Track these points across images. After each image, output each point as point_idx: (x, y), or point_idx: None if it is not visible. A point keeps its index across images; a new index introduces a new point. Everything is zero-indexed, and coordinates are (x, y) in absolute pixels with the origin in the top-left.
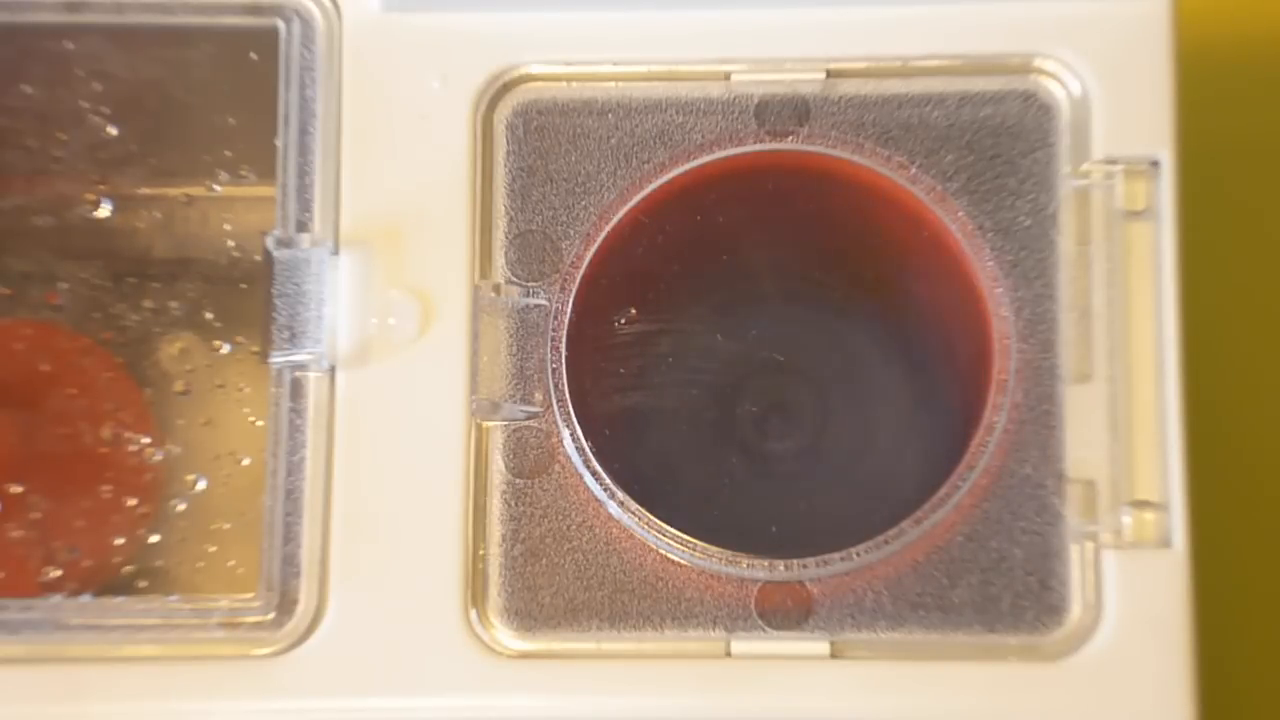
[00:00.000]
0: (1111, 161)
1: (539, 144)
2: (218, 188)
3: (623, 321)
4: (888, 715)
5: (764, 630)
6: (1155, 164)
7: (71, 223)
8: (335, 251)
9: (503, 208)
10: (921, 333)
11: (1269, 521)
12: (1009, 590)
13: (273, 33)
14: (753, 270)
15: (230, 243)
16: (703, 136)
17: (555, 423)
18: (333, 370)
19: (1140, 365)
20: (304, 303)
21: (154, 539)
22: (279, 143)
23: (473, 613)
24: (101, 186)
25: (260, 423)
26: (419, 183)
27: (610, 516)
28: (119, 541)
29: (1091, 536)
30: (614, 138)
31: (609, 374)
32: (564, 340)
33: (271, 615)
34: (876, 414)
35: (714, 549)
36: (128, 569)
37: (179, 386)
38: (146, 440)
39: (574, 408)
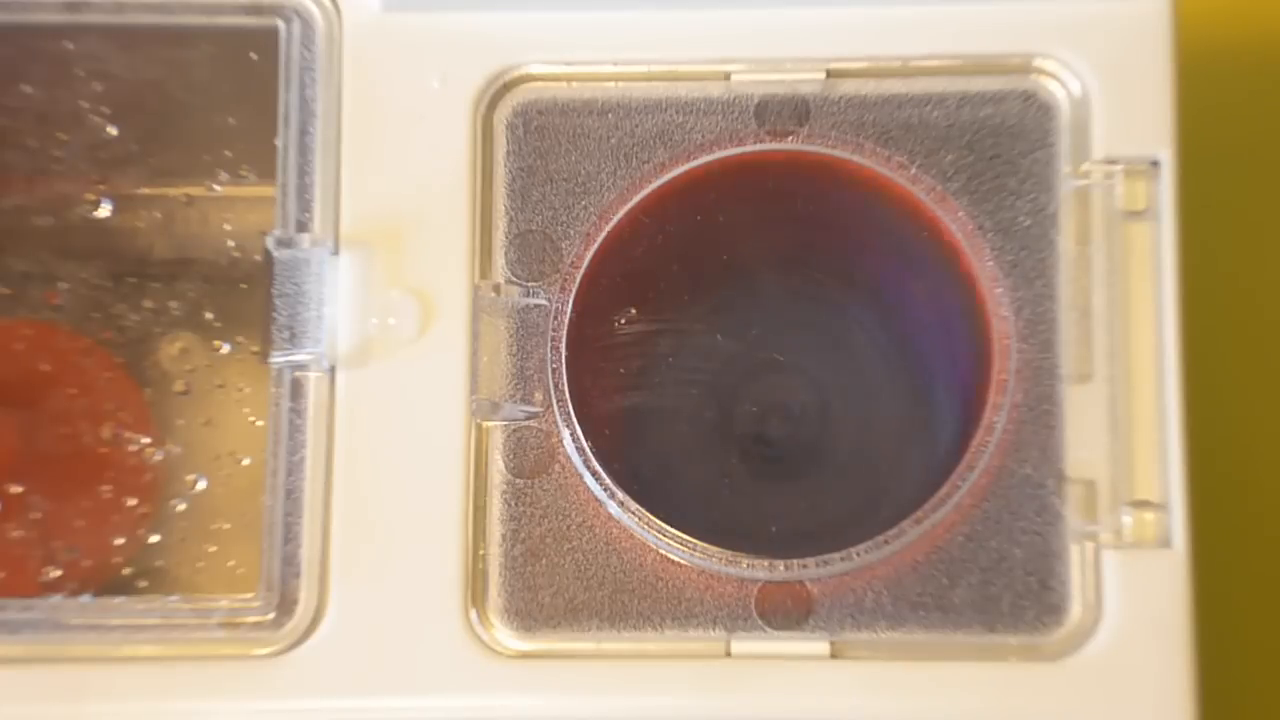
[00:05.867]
0: (1111, 161)
1: (539, 144)
2: (218, 188)
3: (623, 321)
4: (888, 715)
5: (764, 630)
6: (1155, 164)
7: (71, 223)
8: (335, 251)
9: (503, 208)
10: (921, 332)
11: (1269, 521)
12: (1009, 590)
13: (273, 33)
14: (753, 269)
15: (230, 243)
16: (703, 136)
17: (555, 423)
18: (333, 370)
19: (1140, 365)
20: (304, 303)
21: (154, 539)
22: (279, 143)
23: (473, 613)
24: (101, 186)
25: (260, 423)
26: (419, 183)
27: (610, 516)
28: (119, 541)
29: (1091, 536)
30: (614, 138)
31: (609, 374)
32: (564, 340)
33: (271, 615)
34: (876, 414)
35: (714, 549)
36: (128, 569)
37: (179, 386)
38: (146, 440)
39: (574, 408)
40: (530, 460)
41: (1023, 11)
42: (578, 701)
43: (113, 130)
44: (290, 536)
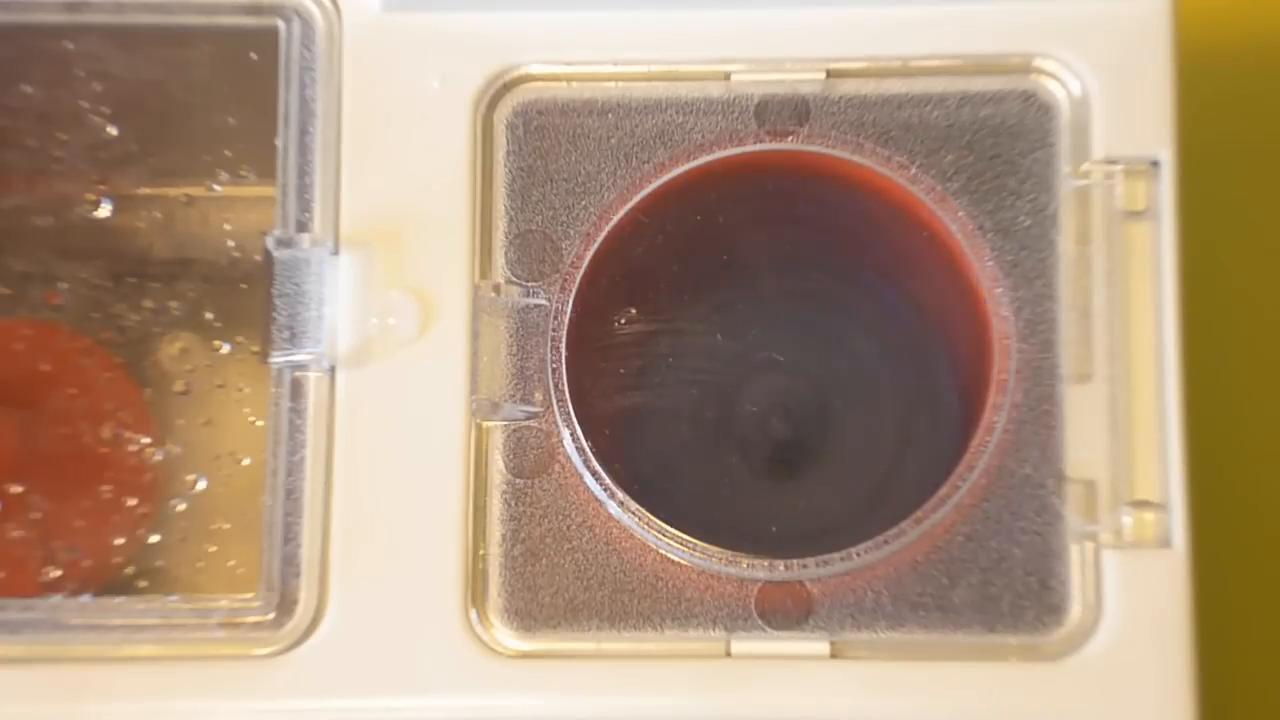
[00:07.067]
0: (1111, 161)
1: (539, 144)
2: (218, 188)
3: (623, 321)
4: (888, 715)
5: (764, 630)
6: (1155, 164)
7: (71, 223)
8: (335, 251)
9: (503, 208)
10: (921, 333)
11: (1269, 521)
12: (1009, 590)
13: (273, 33)
14: (753, 270)
15: (230, 243)
16: (703, 136)
17: (555, 423)
18: (333, 370)
19: (1140, 365)
20: (304, 303)
21: (154, 539)
22: (279, 143)
23: (473, 613)
24: (101, 186)
25: (260, 423)
26: (419, 183)
27: (610, 516)
28: (119, 541)
29: (1091, 536)
30: (614, 138)
31: (609, 374)
32: (564, 340)
33: (271, 615)
34: (876, 414)
35: (714, 549)
36: (128, 569)
37: (179, 386)
38: (146, 440)
39: (574, 408)
40: (530, 460)
41: (1023, 11)
42: (578, 701)
43: (113, 130)
44: (290, 536)
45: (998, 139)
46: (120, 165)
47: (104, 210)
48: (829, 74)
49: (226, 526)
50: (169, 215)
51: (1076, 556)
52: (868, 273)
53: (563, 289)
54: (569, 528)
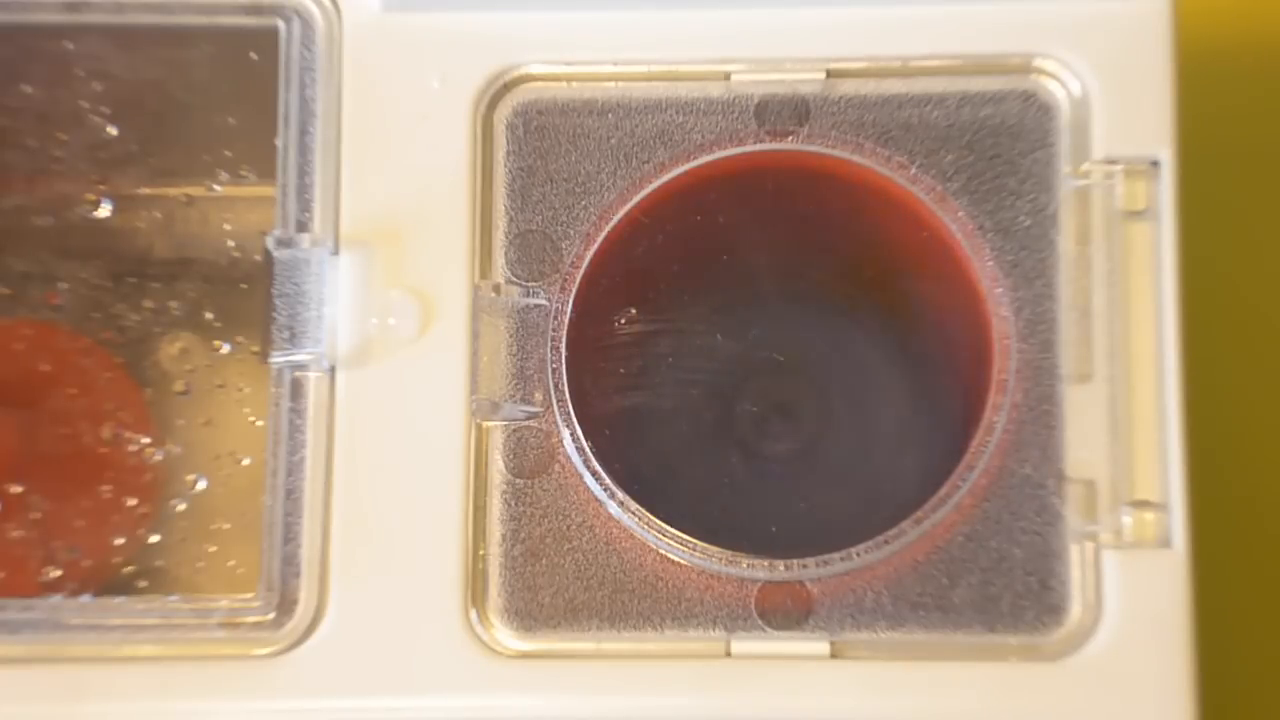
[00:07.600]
0: (1111, 161)
1: (539, 144)
2: (218, 188)
3: (623, 321)
4: (888, 715)
5: (764, 630)
6: (1155, 164)
7: (71, 223)
8: (335, 251)
9: (503, 208)
10: (921, 333)
11: (1269, 521)
12: (1009, 590)
13: (273, 33)
14: (753, 270)
15: (230, 243)
16: (703, 136)
17: (555, 423)
18: (333, 370)
19: (1140, 365)
20: (304, 303)
21: (154, 539)
22: (279, 143)
23: (473, 613)
24: (101, 186)
25: (260, 423)
26: (419, 183)
27: (610, 516)
28: (119, 541)
29: (1091, 536)
30: (614, 138)
31: (609, 374)
32: (564, 340)
33: (271, 615)
34: (876, 414)
35: (714, 549)
36: (128, 569)
37: (179, 386)
38: (146, 440)
39: (574, 408)
40: (530, 460)
41: (1023, 11)
42: (578, 701)
43: (113, 130)
44: (290, 536)
45: (998, 139)
46: (120, 165)
47: (104, 210)
48: (829, 74)
49: (226, 526)
50: (169, 215)
51: (1076, 556)
52: (868, 273)
53: (563, 289)
54: (569, 528)
